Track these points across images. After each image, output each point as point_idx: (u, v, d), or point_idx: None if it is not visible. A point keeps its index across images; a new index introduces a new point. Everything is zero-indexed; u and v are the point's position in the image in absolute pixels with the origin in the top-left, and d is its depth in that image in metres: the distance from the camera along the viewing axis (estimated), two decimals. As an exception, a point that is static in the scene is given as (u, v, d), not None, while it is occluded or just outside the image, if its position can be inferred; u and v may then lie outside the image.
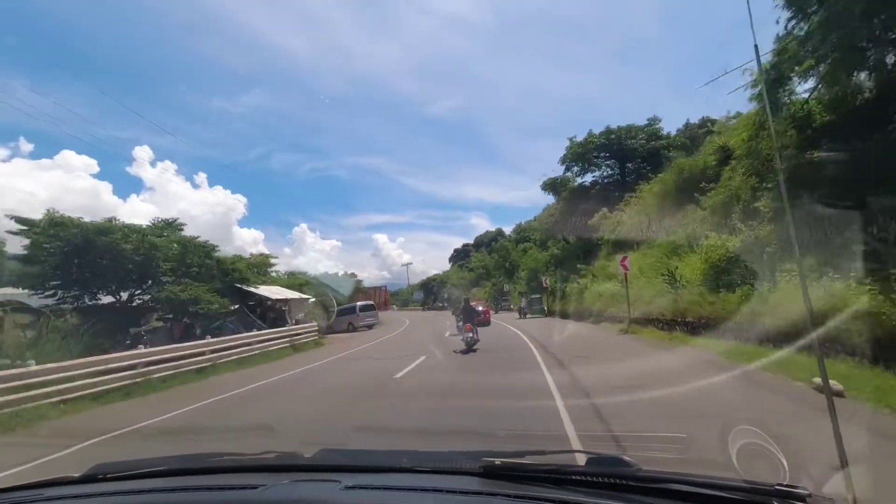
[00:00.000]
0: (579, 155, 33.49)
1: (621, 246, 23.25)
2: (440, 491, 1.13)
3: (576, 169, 35.34)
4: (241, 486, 1.28)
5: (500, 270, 52.43)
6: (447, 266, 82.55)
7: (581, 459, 1.27)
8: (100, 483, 1.44)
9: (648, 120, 32.21)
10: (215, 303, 15.04)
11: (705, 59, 73.09)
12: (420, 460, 1.41)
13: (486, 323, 21.16)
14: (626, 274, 13.33)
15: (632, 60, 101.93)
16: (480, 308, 20.55)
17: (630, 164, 34.01)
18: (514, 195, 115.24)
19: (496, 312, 35.46)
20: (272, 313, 19.43)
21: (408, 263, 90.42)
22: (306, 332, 17.80)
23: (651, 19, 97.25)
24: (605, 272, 21.94)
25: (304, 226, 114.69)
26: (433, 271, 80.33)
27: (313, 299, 23.53)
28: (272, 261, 30.57)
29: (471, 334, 12.20)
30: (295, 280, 27.75)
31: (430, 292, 73.86)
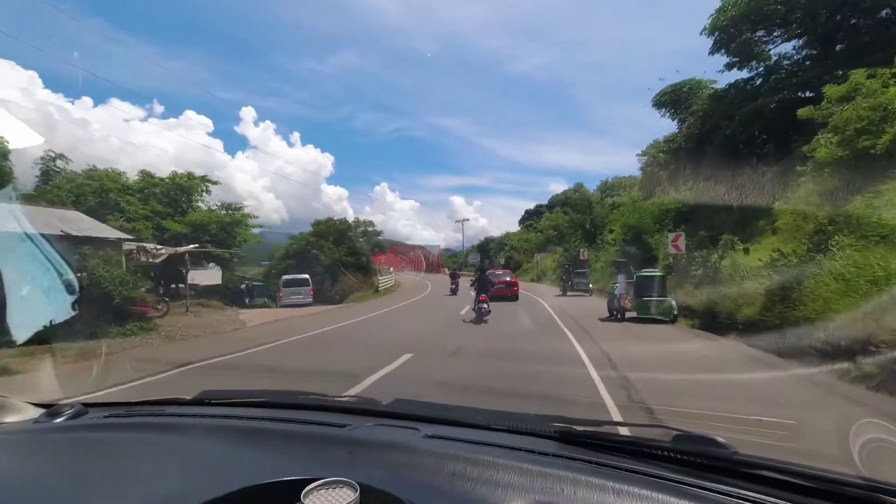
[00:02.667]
0: (743, 20, 17.96)
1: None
2: (519, 450, 1.08)
3: (724, 60, 19.77)
4: (330, 423, 1.34)
5: (576, 231, 37.95)
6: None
7: (667, 436, 1.12)
8: (207, 406, 1.60)
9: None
10: None
11: None
12: (495, 418, 1.34)
13: (514, 297, 18.43)
14: None
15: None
16: (508, 278, 19.45)
17: (837, 46, 17.83)
18: (598, 160, 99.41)
19: (563, 294, 22.05)
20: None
21: (463, 220, 77.11)
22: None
23: None
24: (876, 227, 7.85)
25: (384, 185, 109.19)
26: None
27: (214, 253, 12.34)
28: (207, 184, 19.86)
29: (484, 305, 12.16)
30: (210, 216, 16.38)
31: (486, 255, 61.29)
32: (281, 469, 0.93)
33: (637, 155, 35.15)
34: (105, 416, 1.43)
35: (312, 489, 0.77)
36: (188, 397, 1.63)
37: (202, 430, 1.34)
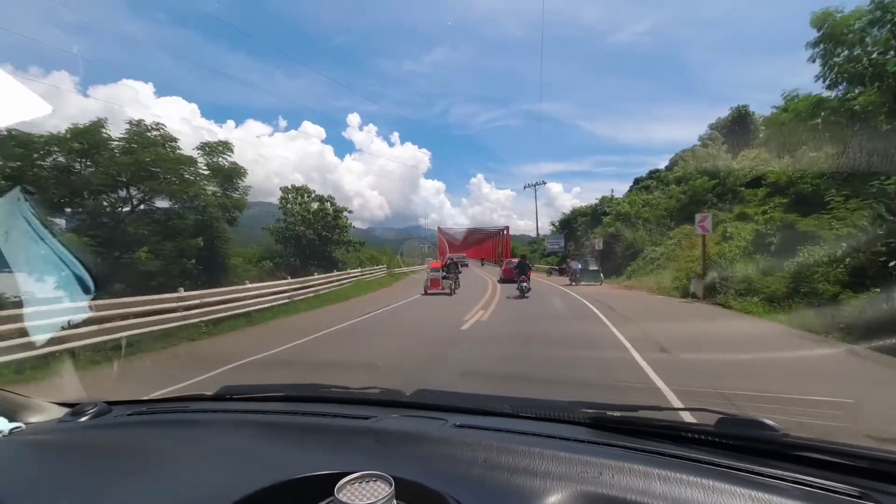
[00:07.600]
0: None
1: None
2: (552, 437, 1.03)
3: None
4: (354, 415, 1.31)
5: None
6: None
7: (709, 419, 1.04)
8: (228, 402, 1.60)
9: None
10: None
11: None
12: (522, 406, 1.29)
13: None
14: None
15: None
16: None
17: None
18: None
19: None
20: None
21: (535, 183, 51.50)
22: None
23: None
24: None
25: (480, 176, 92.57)
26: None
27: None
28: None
29: (525, 284, 15.21)
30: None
31: (572, 235, 38.06)
32: (310, 463, 0.91)
33: None
34: (129, 414, 1.41)
35: (346, 483, 0.73)
36: (209, 393, 1.65)
37: (227, 425, 1.33)
